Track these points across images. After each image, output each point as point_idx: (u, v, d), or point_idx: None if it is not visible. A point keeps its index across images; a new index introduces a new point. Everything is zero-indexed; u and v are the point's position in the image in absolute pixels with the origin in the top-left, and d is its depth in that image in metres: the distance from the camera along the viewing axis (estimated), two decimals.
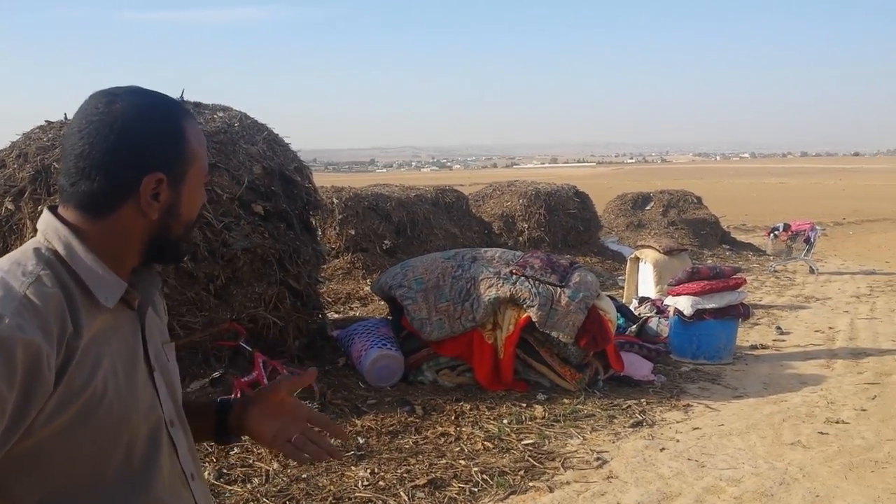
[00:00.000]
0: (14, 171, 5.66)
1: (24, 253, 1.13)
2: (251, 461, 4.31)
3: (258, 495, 3.89)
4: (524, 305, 5.79)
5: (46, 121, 6.31)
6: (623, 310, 7.77)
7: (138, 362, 1.20)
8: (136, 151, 1.13)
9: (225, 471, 4.17)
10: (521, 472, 4.31)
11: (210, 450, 4.38)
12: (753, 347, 7.57)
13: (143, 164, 1.14)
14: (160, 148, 1.16)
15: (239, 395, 4.85)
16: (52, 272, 1.10)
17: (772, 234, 13.48)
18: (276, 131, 6.78)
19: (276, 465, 4.24)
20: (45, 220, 1.16)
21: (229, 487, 3.99)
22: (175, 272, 5.26)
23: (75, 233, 1.14)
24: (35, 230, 1.19)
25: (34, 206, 5.38)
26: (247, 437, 1.43)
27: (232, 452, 4.39)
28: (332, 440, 1.45)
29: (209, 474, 4.08)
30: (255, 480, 4.09)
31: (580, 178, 44.82)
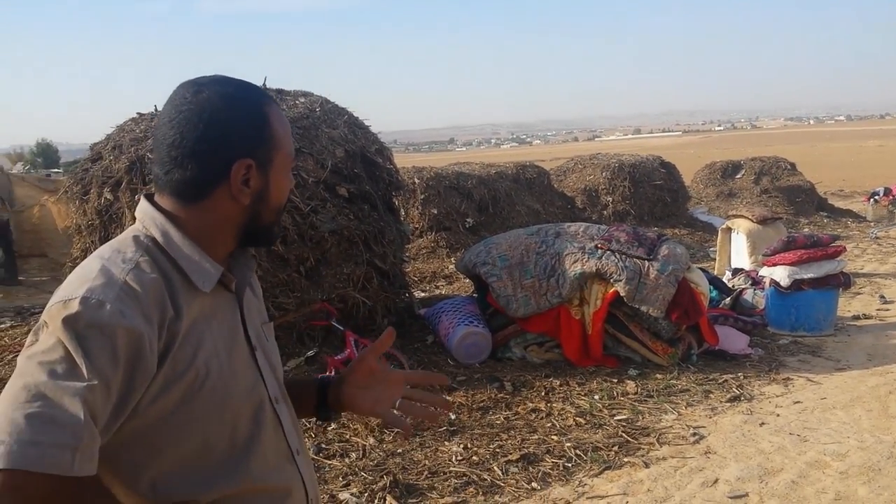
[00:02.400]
0: (110, 162, 5.92)
1: (123, 240, 1.16)
2: (348, 436, 4.42)
3: (356, 469, 3.99)
4: (611, 280, 5.70)
5: (138, 113, 6.55)
6: (716, 282, 7.55)
7: (239, 343, 1.23)
8: (224, 139, 1.16)
9: (324, 446, 4.30)
10: (616, 448, 4.27)
11: (308, 426, 4.51)
12: (856, 318, 7.25)
13: (232, 150, 1.17)
14: (247, 134, 1.18)
15: (333, 372, 4.98)
16: (150, 258, 1.13)
17: (872, 200, 12.88)
18: (355, 114, 6.86)
19: (371, 440, 4.34)
20: (142, 208, 1.20)
21: (328, 462, 4.11)
22: (267, 255, 5.42)
23: (171, 219, 1.17)
24: (133, 218, 1.23)
25: (131, 196, 5.62)
26: (346, 414, 1.45)
27: (330, 428, 4.52)
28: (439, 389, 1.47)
29: (309, 449, 4.20)
30: (353, 455, 4.20)
31: (665, 148, 43.69)
